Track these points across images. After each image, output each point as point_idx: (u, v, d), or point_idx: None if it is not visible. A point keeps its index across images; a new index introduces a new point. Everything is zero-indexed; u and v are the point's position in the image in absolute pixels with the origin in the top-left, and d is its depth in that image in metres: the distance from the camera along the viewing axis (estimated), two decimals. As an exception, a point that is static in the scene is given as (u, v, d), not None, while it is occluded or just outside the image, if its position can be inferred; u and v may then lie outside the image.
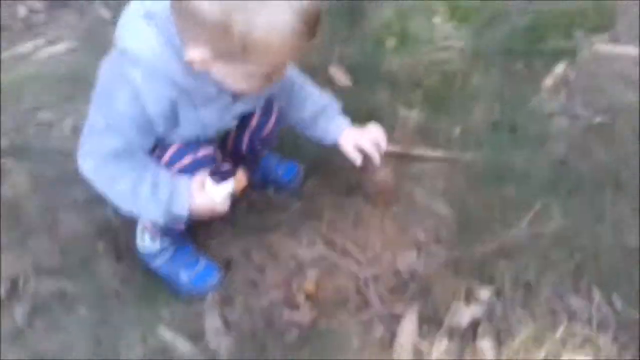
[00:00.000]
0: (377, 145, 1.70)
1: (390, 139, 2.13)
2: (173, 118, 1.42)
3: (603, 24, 2.54)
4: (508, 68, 2.37)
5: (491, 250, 1.72)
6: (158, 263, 1.72)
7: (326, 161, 2.05)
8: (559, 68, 2.36)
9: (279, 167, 1.99)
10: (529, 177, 1.92)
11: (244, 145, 1.76)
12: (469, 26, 2.56)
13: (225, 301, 1.67)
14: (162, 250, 1.70)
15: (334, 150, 2.09)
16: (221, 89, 1.41)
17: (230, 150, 1.80)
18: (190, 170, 1.48)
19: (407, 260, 1.75)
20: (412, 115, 2.24)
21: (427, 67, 2.42)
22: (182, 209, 1.44)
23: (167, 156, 1.48)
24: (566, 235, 1.73)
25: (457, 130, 2.13)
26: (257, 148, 1.81)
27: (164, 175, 1.44)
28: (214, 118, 1.48)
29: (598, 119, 2.15)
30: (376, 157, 1.70)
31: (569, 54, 2.41)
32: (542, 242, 1.73)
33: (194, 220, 1.52)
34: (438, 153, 2.05)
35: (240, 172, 1.50)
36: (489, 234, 1.78)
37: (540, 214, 1.81)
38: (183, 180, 1.45)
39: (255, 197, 1.99)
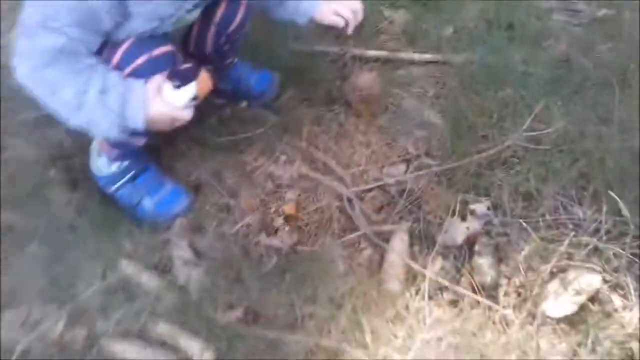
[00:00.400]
0: (355, 14, 1.54)
1: (374, 42, 1.95)
2: (121, 8, 1.20)
3: None
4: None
5: (487, 159, 1.55)
6: (117, 189, 1.53)
7: (305, 69, 1.85)
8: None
9: (251, 77, 1.78)
10: (528, 78, 1.73)
11: (209, 43, 1.55)
12: None
13: (195, 229, 1.50)
14: (121, 173, 1.52)
15: (313, 57, 1.90)
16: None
17: (192, 49, 1.58)
18: (146, 72, 1.27)
19: (396, 175, 1.58)
20: (398, 16, 2.02)
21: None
22: (136, 119, 1.24)
23: (117, 56, 1.27)
24: (569, 139, 1.56)
25: (448, 31, 1.91)
26: (224, 46, 1.59)
27: (114, 79, 1.23)
28: (170, 7, 1.26)
29: (601, 12, 1.94)
30: (352, 25, 1.54)
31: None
32: (543, 149, 1.56)
33: (152, 132, 1.33)
34: (427, 55, 1.84)
35: (203, 73, 1.29)
36: (485, 142, 1.61)
37: (541, 117, 1.63)
38: (137, 84, 1.24)
39: (226, 111, 1.79)
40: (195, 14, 1.39)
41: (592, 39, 1.83)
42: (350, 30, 1.58)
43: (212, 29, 1.50)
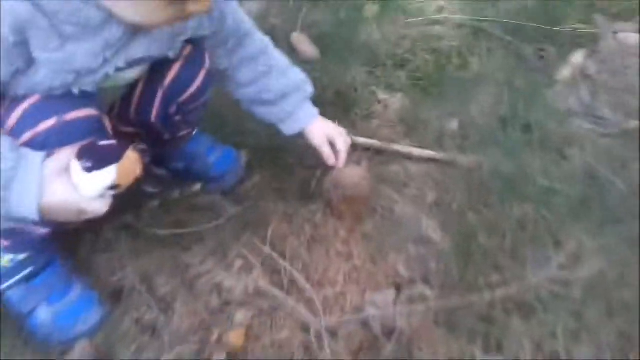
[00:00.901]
0: (347, 145, 1.35)
1: (365, 128, 1.63)
2: (23, 50, 0.84)
3: (629, 9, 2.06)
4: (515, 51, 1.86)
5: (501, 299, 1.20)
6: (7, 288, 1.12)
7: (279, 152, 1.51)
8: (577, 57, 1.87)
9: (211, 154, 1.42)
10: (551, 194, 1.41)
11: (155, 110, 1.19)
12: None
13: (102, 356, 1.09)
14: (13, 269, 1.11)
15: (291, 138, 1.56)
16: (110, 16, 0.85)
17: (133, 116, 1.22)
18: (51, 142, 0.91)
19: (381, 305, 1.21)
20: (394, 100, 1.70)
21: (415, 42, 1.89)
22: (26, 206, 0.86)
23: (14, 117, 0.91)
24: (605, 285, 1.23)
25: (452, 125, 1.60)
26: (175, 117, 1.23)
27: (3, 146, 0.86)
28: (93, 60, 0.90)
29: (631, 125, 1.66)
30: (343, 157, 1.34)
31: (588, 41, 1.92)
32: (572, 292, 1.22)
33: (52, 224, 0.95)
34: (428, 152, 1.51)
35: (130, 153, 0.92)
36: (498, 274, 1.26)
37: (568, 248, 1.30)
38: (33, 157, 0.88)
39: (173, 194, 1.41)
40: (133, 73, 1.04)
41: (623, 155, 1.53)
42: (340, 164, 1.35)
43: (160, 94, 1.16)
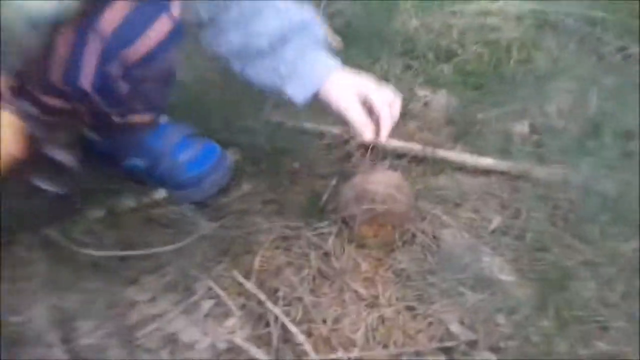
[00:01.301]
0: (391, 109, 0.89)
1: (400, 131, 1.21)
2: None
3: None
4: (594, 48, 1.44)
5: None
6: None
7: (280, 152, 1.10)
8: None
9: (182, 151, 1.01)
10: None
11: (86, 72, 0.79)
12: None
13: None
14: None
15: (298, 138, 1.16)
16: None
17: (58, 80, 0.82)
18: None
19: (425, 382, 0.76)
20: (438, 98, 1.29)
21: (464, 32, 1.49)
22: None
23: None
24: None
25: (521, 128, 1.17)
26: (121, 88, 0.84)
27: None
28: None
29: None
30: (385, 127, 0.87)
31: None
32: None
33: None
34: (488, 160, 1.08)
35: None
36: (604, 340, 0.81)
37: None
38: None
39: (123, 202, 1.00)
40: (48, 5, 0.66)
41: None
42: (382, 138, 0.89)
43: (95, 46, 0.76)
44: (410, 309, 0.87)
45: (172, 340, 0.83)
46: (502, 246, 0.95)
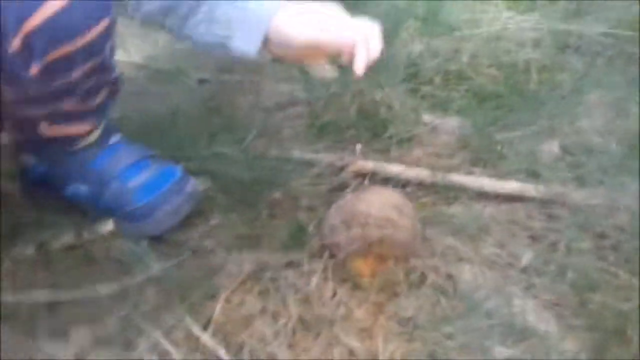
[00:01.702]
0: (367, 42, 0.68)
1: (405, 156, 1.03)
2: None
3: None
4: (620, 61, 1.26)
5: None
6: None
7: (259, 181, 0.92)
8: None
9: (133, 175, 0.82)
10: None
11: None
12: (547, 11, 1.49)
13: None
14: None
15: (284, 167, 0.99)
16: None
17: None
18: None
19: None
20: (449, 122, 1.11)
21: (475, 56, 1.32)
22: None
23: None
24: None
25: (550, 149, 0.97)
26: (48, 85, 0.67)
27: None
28: None
29: None
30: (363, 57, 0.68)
31: None
32: None
33: None
34: (514, 184, 0.88)
35: None
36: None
37: None
38: None
39: (58, 236, 0.81)
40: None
41: None
42: (358, 70, 0.67)
43: (14, 25, 0.60)
44: (420, 370, 0.66)
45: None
46: (536, 287, 0.74)
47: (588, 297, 0.71)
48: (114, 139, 0.82)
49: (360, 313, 0.72)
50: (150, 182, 0.80)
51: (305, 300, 0.72)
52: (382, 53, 0.70)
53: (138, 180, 0.80)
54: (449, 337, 0.69)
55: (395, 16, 1.46)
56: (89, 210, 0.81)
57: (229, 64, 1.32)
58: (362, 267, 0.72)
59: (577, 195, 0.83)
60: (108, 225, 0.80)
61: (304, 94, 1.22)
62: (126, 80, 1.28)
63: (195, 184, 0.85)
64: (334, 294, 0.73)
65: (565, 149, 0.96)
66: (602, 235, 0.78)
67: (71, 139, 0.77)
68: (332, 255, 0.73)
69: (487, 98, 1.17)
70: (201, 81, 1.29)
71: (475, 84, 1.22)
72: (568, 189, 0.85)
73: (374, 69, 1.23)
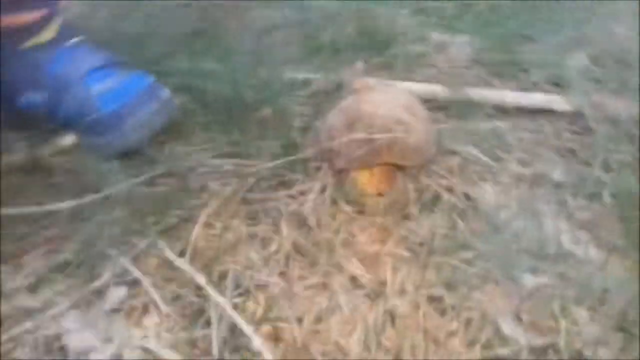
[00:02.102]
0: None
1: (414, 75, 0.90)
2: None
3: None
4: None
5: None
6: None
7: (243, 100, 0.80)
8: None
9: (97, 80, 0.70)
10: None
11: None
12: None
13: None
14: None
15: (272, 82, 0.87)
16: None
17: None
18: None
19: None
20: (461, 41, 0.99)
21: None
22: None
23: None
24: None
25: (578, 60, 0.85)
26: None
27: None
28: None
29: None
30: None
31: None
32: None
33: None
34: (538, 96, 0.77)
35: None
36: None
37: None
38: None
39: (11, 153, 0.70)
40: None
41: None
42: None
43: None
44: (435, 300, 0.55)
45: (54, 348, 0.51)
46: (570, 206, 0.63)
47: (631, 216, 0.61)
48: (74, 40, 0.70)
49: (364, 238, 0.61)
50: (117, 88, 0.68)
51: (300, 224, 0.62)
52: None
53: (103, 86, 0.68)
54: (469, 263, 0.58)
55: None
56: (47, 123, 0.69)
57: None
58: (367, 182, 0.61)
59: (612, 105, 0.72)
60: (68, 139, 0.68)
61: (297, 15, 1.10)
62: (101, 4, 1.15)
63: (169, 94, 0.73)
64: (334, 217, 0.63)
65: (594, 61, 0.84)
66: (645, 149, 0.67)
67: (21, 32, 0.64)
68: (331, 170, 0.62)
69: (504, 15, 1.05)
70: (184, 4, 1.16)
71: (493, 6, 1.09)
72: (600, 98, 0.73)
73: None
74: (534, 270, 0.57)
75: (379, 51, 0.95)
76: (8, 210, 0.59)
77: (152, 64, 0.82)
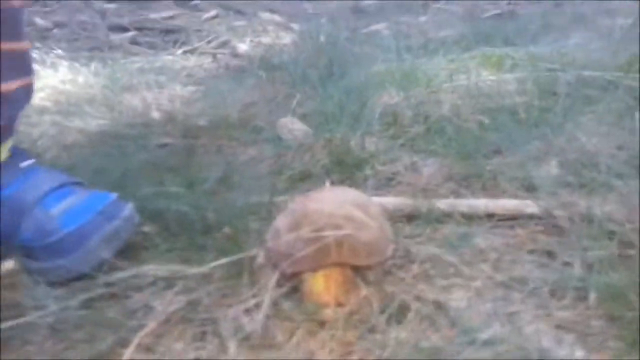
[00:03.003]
0: None
1: (386, 192, 0.88)
2: None
3: None
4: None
5: None
6: None
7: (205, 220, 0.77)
8: None
9: (57, 200, 0.68)
10: None
11: None
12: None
13: None
14: None
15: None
16: None
17: None
18: None
19: None
20: (432, 162, 0.98)
21: (455, 105, 1.22)
22: None
23: None
24: None
25: (548, 168, 0.83)
26: None
27: None
28: None
29: None
30: None
31: None
32: None
33: None
34: (511, 203, 0.73)
35: None
36: None
37: None
38: None
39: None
40: None
41: None
42: None
43: None
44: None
45: None
46: (550, 308, 0.56)
47: (618, 314, 0.54)
48: (27, 162, 0.68)
49: (324, 355, 0.54)
50: (78, 206, 0.66)
51: (253, 344, 0.55)
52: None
53: (63, 204, 0.66)
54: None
55: (373, 80, 1.39)
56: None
57: (194, 130, 1.23)
58: (324, 290, 0.55)
59: (584, 205, 0.68)
60: (7, 264, 0.64)
61: (273, 150, 1.11)
62: (78, 144, 1.17)
63: (132, 208, 0.70)
64: (291, 334, 0.56)
65: (565, 167, 0.82)
66: (625, 243, 0.62)
67: None
68: (282, 277, 0.57)
69: (474, 139, 1.05)
70: (161, 146, 1.19)
71: (460, 129, 1.10)
72: (572, 198, 0.70)
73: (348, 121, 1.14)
74: (516, 381, 0.50)
75: (351, 173, 0.95)
76: None
77: (116, 188, 0.81)
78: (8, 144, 0.67)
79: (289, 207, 0.57)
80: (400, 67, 1.46)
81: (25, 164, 0.68)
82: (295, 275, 0.54)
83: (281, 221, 0.54)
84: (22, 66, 0.65)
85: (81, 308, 0.58)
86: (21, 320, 0.55)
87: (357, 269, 0.56)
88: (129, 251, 0.68)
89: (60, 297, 0.58)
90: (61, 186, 0.68)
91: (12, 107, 0.64)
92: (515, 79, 1.33)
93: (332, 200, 0.53)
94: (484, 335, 0.53)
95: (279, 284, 0.57)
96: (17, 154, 0.68)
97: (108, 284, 0.60)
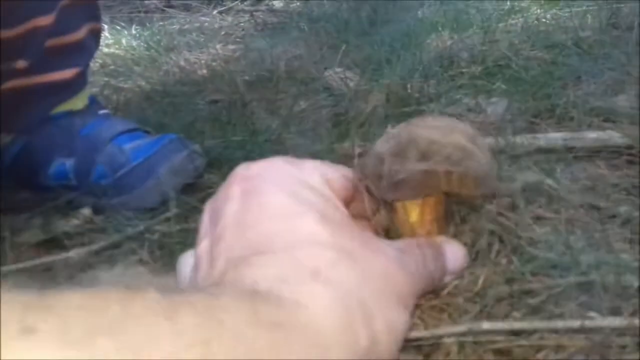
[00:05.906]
0: None
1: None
2: None
3: None
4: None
5: None
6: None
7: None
8: None
9: (128, 140, 0.70)
10: None
11: None
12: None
13: None
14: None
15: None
16: None
17: None
18: None
19: None
20: (496, 102, 0.95)
21: (512, 44, 1.18)
22: None
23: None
24: None
25: (626, 100, 0.79)
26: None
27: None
28: None
29: None
30: None
31: None
32: None
33: None
34: (591, 135, 0.70)
35: None
36: None
37: None
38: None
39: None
40: None
41: None
42: None
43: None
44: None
45: None
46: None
47: None
48: (103, 111, 0.70)
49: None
50: (147, 144, 0.67)
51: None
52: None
53: (134, 144, 0.67)
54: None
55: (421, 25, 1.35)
56: (71, 193, 0.67)
57: (243, 85, 1.22)
58: (415, 219, 0.52)
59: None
60: (85, 211, 0.64)
61: (326, 101, 1.10)
62: (134, 102, 1.17)
63: (197, 148, 0.70)
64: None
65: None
66: None
67: (53, 93, 0.64)
68: (376, 202, 0.53)
69: (539, 75, 1.01)
70: (213, 101, 1.18)
71: (522, 67, 1.06)
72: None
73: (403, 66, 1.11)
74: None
75: (411, 118, 0.92)
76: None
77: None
78: (86, 94, 0.68)
79: (390, 133, 0.54)
80: (449, 9, 1.41)
81: (101, 112, 0.69)
82: (390, 204, 0.52)
83: (382, 146, 0.51)
84: (88, 10, 0.65)
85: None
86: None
87: (456, 200, 0.54)
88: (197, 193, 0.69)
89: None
90: (132, 130, 0.69)
91: (82, 55, 0.64)
92: (574, 13, 1.28)
93: (440, 128, 0.51)
94: (578, 269, 0.51)
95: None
96: (94, 103, 0.70)
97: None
